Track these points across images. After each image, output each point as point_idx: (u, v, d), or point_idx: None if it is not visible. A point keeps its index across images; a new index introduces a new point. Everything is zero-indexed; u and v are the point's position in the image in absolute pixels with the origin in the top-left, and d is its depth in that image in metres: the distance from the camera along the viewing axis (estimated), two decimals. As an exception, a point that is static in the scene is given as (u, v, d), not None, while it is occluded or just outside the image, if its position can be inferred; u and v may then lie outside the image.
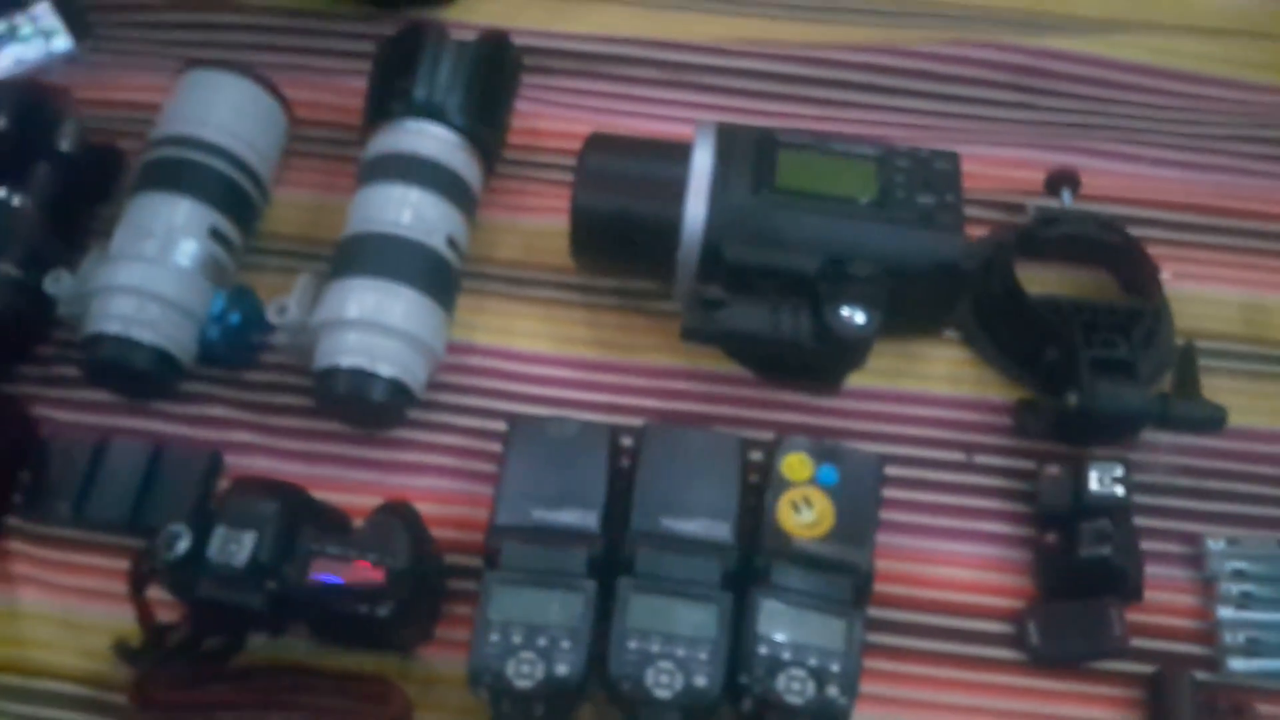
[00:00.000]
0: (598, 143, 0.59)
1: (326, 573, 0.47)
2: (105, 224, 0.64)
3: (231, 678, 0.50)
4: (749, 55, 0.69)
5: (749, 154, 0.56)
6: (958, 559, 0.56)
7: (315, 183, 0.66)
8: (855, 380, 0.60)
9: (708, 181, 0.55)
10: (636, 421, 0.57)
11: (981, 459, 0.58)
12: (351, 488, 0.56)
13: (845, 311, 0.54)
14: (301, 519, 0.48)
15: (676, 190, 0.55)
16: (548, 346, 0.61)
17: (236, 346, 0.59)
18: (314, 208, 0.65)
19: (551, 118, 0.68)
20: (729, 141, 0.56)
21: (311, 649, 0.53)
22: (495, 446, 0.58)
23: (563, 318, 0.62)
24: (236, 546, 0.46)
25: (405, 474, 0.58)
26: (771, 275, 0.55)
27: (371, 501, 0.53)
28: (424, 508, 0.54)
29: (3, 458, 0.55)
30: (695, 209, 0.55)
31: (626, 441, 0.55)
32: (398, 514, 0.51)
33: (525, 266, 0.64)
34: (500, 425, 0.59)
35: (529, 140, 0.67)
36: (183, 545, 0.47)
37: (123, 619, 0.53)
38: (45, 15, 0.72)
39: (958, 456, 0.58)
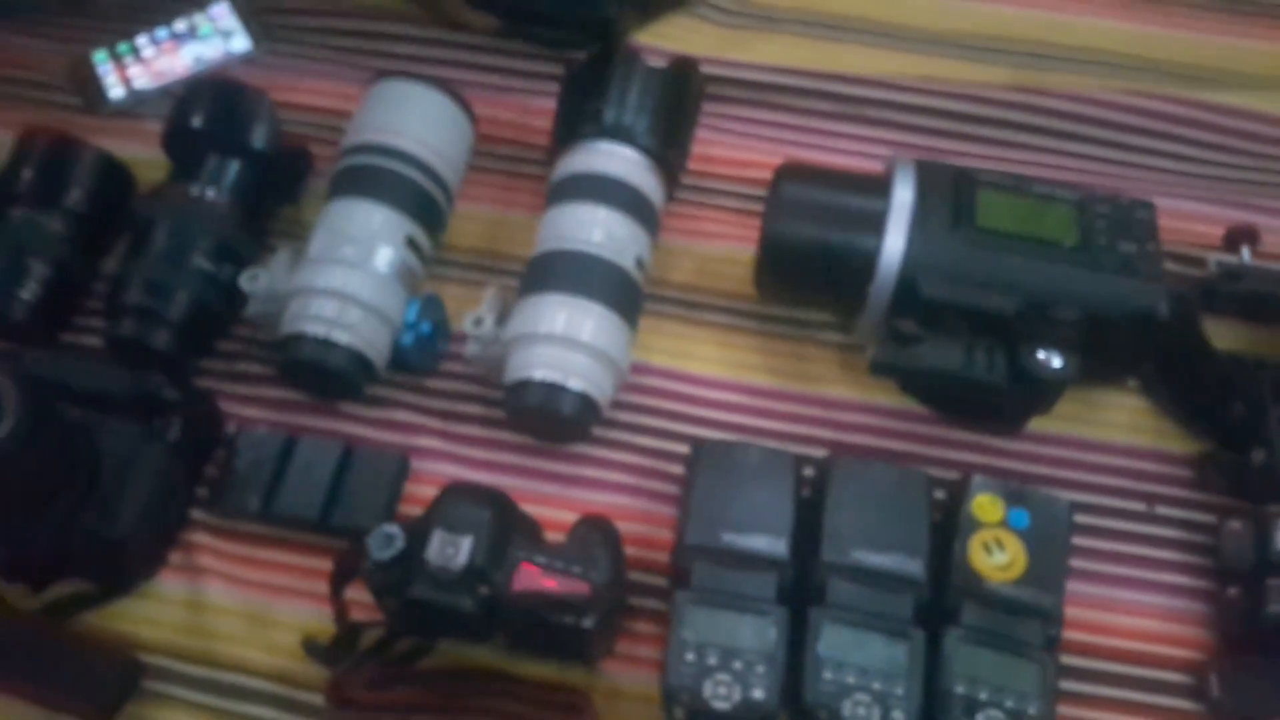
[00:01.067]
0: (790, 171, 0.59)
1: (535, 581, 0.48)
2: (288, 224, 0.66)
3: (425, 680, 0.51)
4: (921, 92, 0.70)
5: (947, 191, 0.56)
6: (1137, 608, 0.56)
7: (494, 197, 0.67)
8: (1034, 424, 0.60)
9: (908, 216, 0.55)
10: (809, 450, 0.58)
11: (1162, 510, 0.58)
12: (532, 499, 0.56)
13: (1042, 355, 0.54)
14: (510, 527, 0.49)
15: (875, 223, 0.56)
16: (722, 371, 0.62)
17: (425, 354, 0.60)
18: (493, 221, 0.67)
19: (725, 145, 0.69)
20: (928, 177, 0.57)
21: (495, 654, 0.53)
22: (672, 467, 0.60)
23: (737, 344, 0.63)
24: (453, 550, 0.47)
25: (584, 488, 0.58)
26: (967, 314, 0.55)
27: (551, 513, 0.55)
28: None
29: (192, 450, 0.56)
30: (894, 243, 0.55)
31: (806, 471, 0.56)
32: (598, 529, 0.51)
33: (699, 291, 0.65)
34: (677, 447, 0.60)
35: (703, 166, 0.68)
36: (397, 545, 0.48)
37: (309, 616, 0.55)
38: (223, 15, 0.75)
39: (1138, 506, 0.58)
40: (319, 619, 0.54)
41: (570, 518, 0.56)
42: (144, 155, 0.65)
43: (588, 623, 0.48)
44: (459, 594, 0.47)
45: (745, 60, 0.72)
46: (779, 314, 0.64)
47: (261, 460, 0.57)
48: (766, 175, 0.66)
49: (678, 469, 0.59)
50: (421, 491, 0.58)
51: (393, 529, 0.48)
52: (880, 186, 0.57)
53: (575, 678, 0.53)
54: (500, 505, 0.49)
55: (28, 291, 0.59)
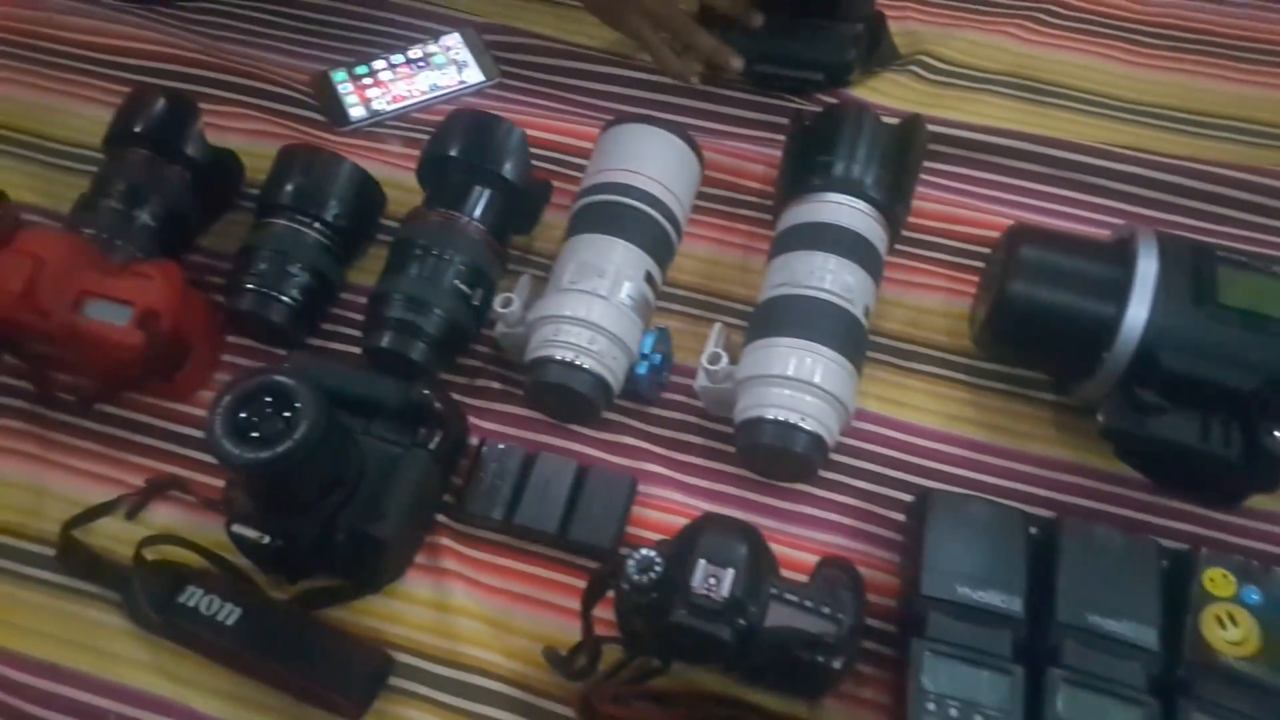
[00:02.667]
0: (1026, 234, 0.61)
1: (788, 618, 0.50)
2: (520, 250, 0.69)
3: (667, 700, 0.53)
4: (1127, 160, 0.71)
5: (1188, 264, 0.57)
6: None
7: (711, 237, 0.70)
8: (1250, 501, 0.60)
9: (1151, 287, 0.56)
10: (1024, 508, 0.58)
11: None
12: None
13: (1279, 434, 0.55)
14: (763, 563, 0.51)
15: (1117, 291, 0.57)
16: (935, 422, 0.64)
17: (654, 383, 0.63)
18: (710, 260, 0.69)
19: (936, 200, 0.71)
20: (1169, 249, 0.57)
21: (721, 680, 0.55)
22: (888, 512, 0.61)
23: (949, 395, 0.65)
24: (716, 581, 0.49)
25: (803, 526, 0.60)
26: (1203, 388, 0.56)
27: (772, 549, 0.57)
28: None
29: (445, 458, 0.59)
30: (1137, 313, 0.56)
31: (1030, 529, 0.56)
32: (844, 570, 0.53)
33: (912, 341, 0.66)
34: (892, 492, 0.62)
35: (915, 219, 0.69)
36: (658, 571, 0.50)
37: (545, 625, 0.57)
38: (456, 46, 0.80)
39: (1359, 590, 0.58)
40: (552, 629, 0.57)
41: (789, 555, 0.59)
42: (379, 173, 0.70)
43: (836, 663, 0.50)
44: (719, 624, 0.48)
45: (954, 119, 0.74)
46: (991, 369, 0.65)
47: (504, 472, 0.60)
48: (976, 232, 0.70)
49: (893, 514, 0.61)
50: (646, 515, 0.60)
51: (651, 554, 0.51)
52: (1119, 255, 0.59)
53: (798, 710, 0.55)
54: (756, 540, 0.51)
55: (288, 296, 0.63)
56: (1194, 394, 0.56)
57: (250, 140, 0.74)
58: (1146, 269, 0.57)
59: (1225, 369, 0.56)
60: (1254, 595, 0.54)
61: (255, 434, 0.51)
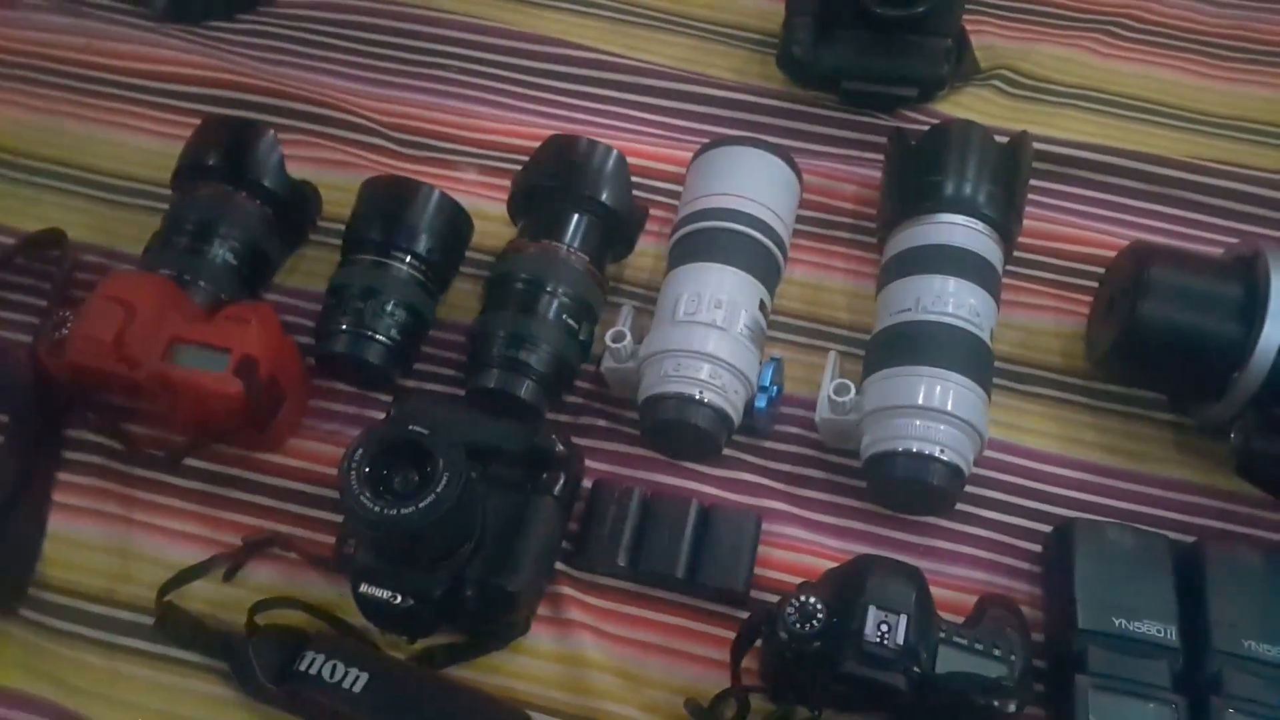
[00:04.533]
0: (1154, 254, 0.59)
1: (958, 663, 0.48)
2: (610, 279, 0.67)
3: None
4: (1227, 176, 0.70)
5: (1319, 281, 0.57)
6: None
7: (812, 261, 0.68)
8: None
9: (1286, 307, 0.56)
10: (1158, 532, 0.57)
11: None
12: None
13: None
14: (930, 605, 0.49)
15: (1250, 310, 0.56)
16: (1056, 446, 0.62)
17: (771, 416, 0.61)
18: (812, 285, 0.67)
19: (1036, 218, 0.68)
20: (1300, 266, 0.57)
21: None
22: (1017, 541, 0.59)
23: (1068, 418, 0.63)
24: (889, 628, 0.47)
25: (938, 561, 0.58)
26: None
27: None
28: (959, 596, 0.55)
29: (564, 503, 0.56)
30: (1272, 332, 0.55)
31: (1170, 554, 0.56)
32: (1008, 608, 0.51)
33: (1025, 363, 0.65)
34: (1019, 520, 0.60)
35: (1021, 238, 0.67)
36: (821, 618, 0.48)
37: (681, 675, 0.55)
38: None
39: None
40: (687, 679, 0.54)
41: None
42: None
43: (1011, 707, 0.48)
44: (892, 673, 0.46)
45: (1048, 134, 0.72)
46: (1109, 390, 0.64)
47: (624, 514, 0.57)
48: (1082, 250, 0.68)
49: (1023, 543, 0.59)
50: (770, 554, 0.58)
51: (813, 601, 0.48)
52: (1247, 273, 0.58)
53: (951, 756, 0.53)
54: (923, 583, 0.49)
55: (385, 335, 0.60)
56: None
57: (319, 170, 0.70)
58: (1279, 286, 0.57)
59: (1362, 394, 0.56)
60: (1404, 619, 0.54)
61: (386, 489, 0.48)
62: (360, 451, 0.47)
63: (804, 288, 0.67)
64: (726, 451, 0.61)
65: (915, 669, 0.47)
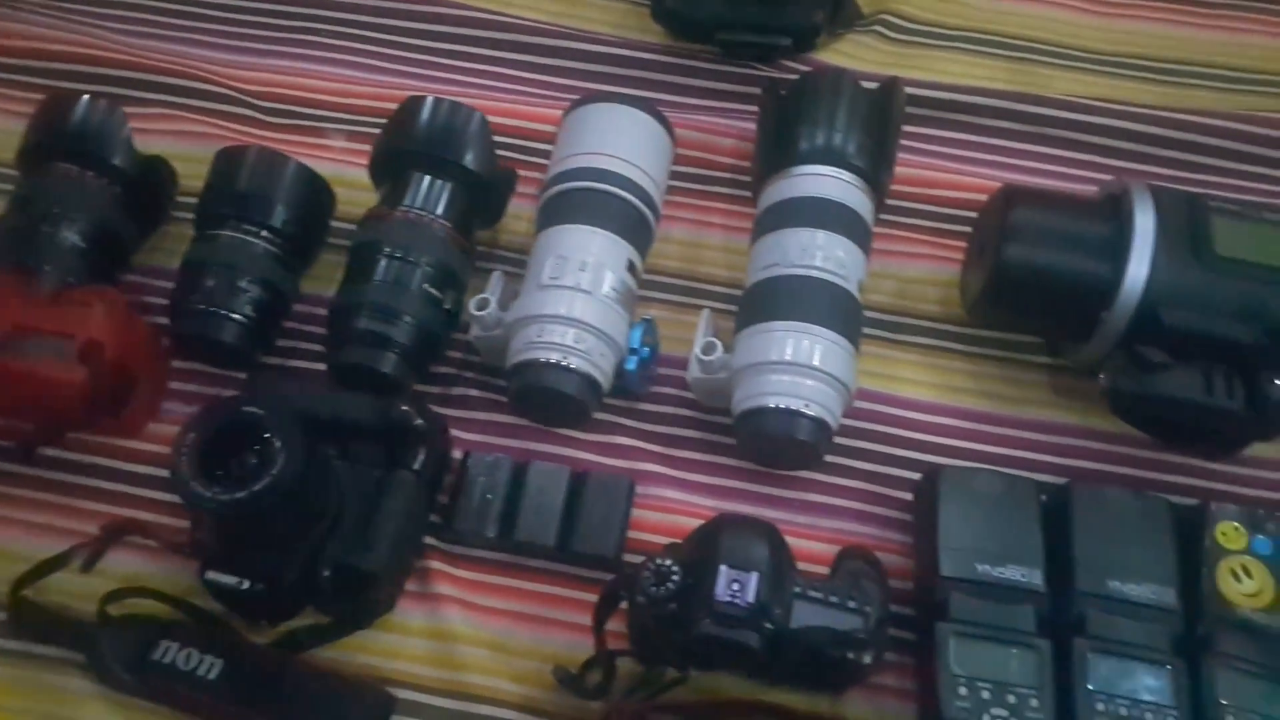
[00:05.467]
0: (1019, 196, 0.59)
1: (815, 617, 0.48)
2: (485, 245, 0.65)
3: (690, 712, 0.50)
4: (1104, 113, 0.69)
5: (1182, 217, 0.56)
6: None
7: (688, 219, 0.67)
8: (1251, 448, 0.60)
9: (1150, 242, 0.55)
10: (1030, 475, 0.57)
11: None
12: None
13: (1281, 382, 0.55)
14: (784, 562, 0.49)
15: (1116, 250, 0.55)
16: (932, 395, 0.62)
17: (644, 377, 0.60)
18: (689, 243, 0.66)
19: (909, 164, 0.68)
20: (1164, 203, 0.56)
21: (740, 683, 0.53)
22: (891, 491, 0.59)
23: (944, 366, 0.63)
24: (740, 586, 0.46)
25: (809, 514, 0.58)
26: (1205, 342, 0.55)
27: None
28: (834, 550, 0.55)
29: (429, 477, 0.54)
30: (1137, 270, 0.55)
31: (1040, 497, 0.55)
32: (865, 560, 0.51)
33: (901, 312, 0.64)
34: (893, 470, 0.60)
35: (894, 186, 0.66)
36: (676, 581, 0.48)
37: (553, 643, 0.54)
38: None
39: (1359, 528, 0.59)
40: (559, 646, 0.54)
41: (798, 544, 0.55)
42: (320, 170, 0.64)
43: (866, 658, 0.48)
44: (746, 631, 0.46)
45: (926, 79, 0.71)
46: (984, 336, 0.63)
47: (494, 486, 0.56)
48: (957, 195, 0.67)
49: (897, 493, 0.59)
50: (645, 516, 0.58)
51: (668, 563, 0.48)
52: (1113, 212, 0.57)
53: (820, 707, 0.53)
54: (776, 539, 0.48)
55: (239, 314, 0.58)
56: (1195, 348, 0.55)
57: (179, 144, 0.68)
58: (1144, 225, 0.56)
59: (1226, 321, 0.55)
60: (1265, 545, 0.53)
61: (224, 472, 0.47)
62: (191, 435, 0.46)
63: (682, 245, 0.66)
64: (601, 415, 0.60)
65: (769, 625, 0.47)
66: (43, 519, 0.57)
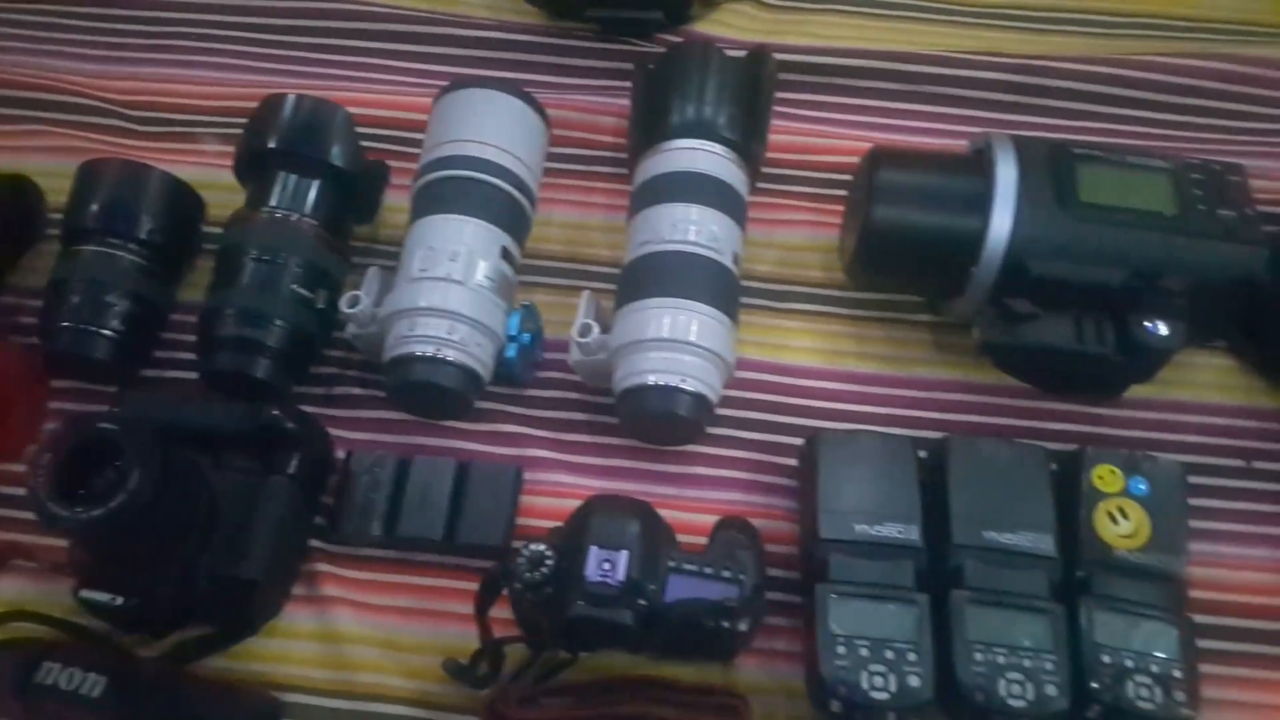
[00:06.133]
0: (885, 156, 0.59)
1: (688, 589, 0.48)
2: (364, 241, 0.65)
3: (577, 692, 0.51)
4: (977, 66, 0.70)
5: (1046, 166, 0.56)
6: (1247, 563, 0.57)
7: (571, 200, 0.66)
8: (1129, 391, 0.60)
9: (1013, 195, 0.55)
10: (912, 433, 0.58)
11: (1260, 464, 0.59)
12: (649, 501, 0.53)
13: (1150, 324, 0.55)
14: (657, 537, 0.49)
15: (979, 204, 0.56)
16: (818, 360, 0.62)
17: (526, 364, 0.59)
18: (572, 225, 0.66)
19: (792, 131, 0.68)
20: (1027, 154, 0.57)
21: (633, 661, 0.53)
22: (780, 459, 0.60)
23: (829, 331, 0.63)
24: (610, 566, 0.47)
25: (698, 487, 0.59)
26: (1074, 289, 0.55)
27: (669, 515, 0.54)
28: None
29: (308, 479, 0.54)
30: (1001, 223, 0.55)
31: (920, 453, 0.56)
32: (740, 530, 0.52)
33: (785, 280, 0.65)
34: (783, 438, 0.60)
35: (772, 154, 0.66)
36: (550, 564, 0.48)
37: (441, 636, 0.54)
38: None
39: (1236, 463, 0.59)
40: (452, 638, 0.54)
41: (687, 518, 0.57)
42: (197, 176, 0.63)
43: (742, 626, 0.48)
44: (618, 609, 0.46)
45: (801, 44, 0.71)
46: (867, 298, 0.64)
47: (378, 484, 0.56)
48: (835, 160, 0.67)
49: (786, 460, 0.60)
50: (536, 503, 0.58)
51: (540, 548, 0.48)
52: (978, 166, 0.58)
53: (713, 676, 0.54)
54: (646, 516, 0.49)
55: (109, 328, 0.57)
56: (1065, 296, 0.56)
57: (50, 160, 0.66)
58: (1006, 177, 0.56)
59: (1093, 267, 0.55)
60: (1141, 486, 0.54)
61: (85, 490, 0.46)
62: (46, 455, 0.46)
63: (565, 228, 0.66)
64: (487, 404, 0.60)
65: (642, 602, 0.47)
66: (-78, 549, 0.57)
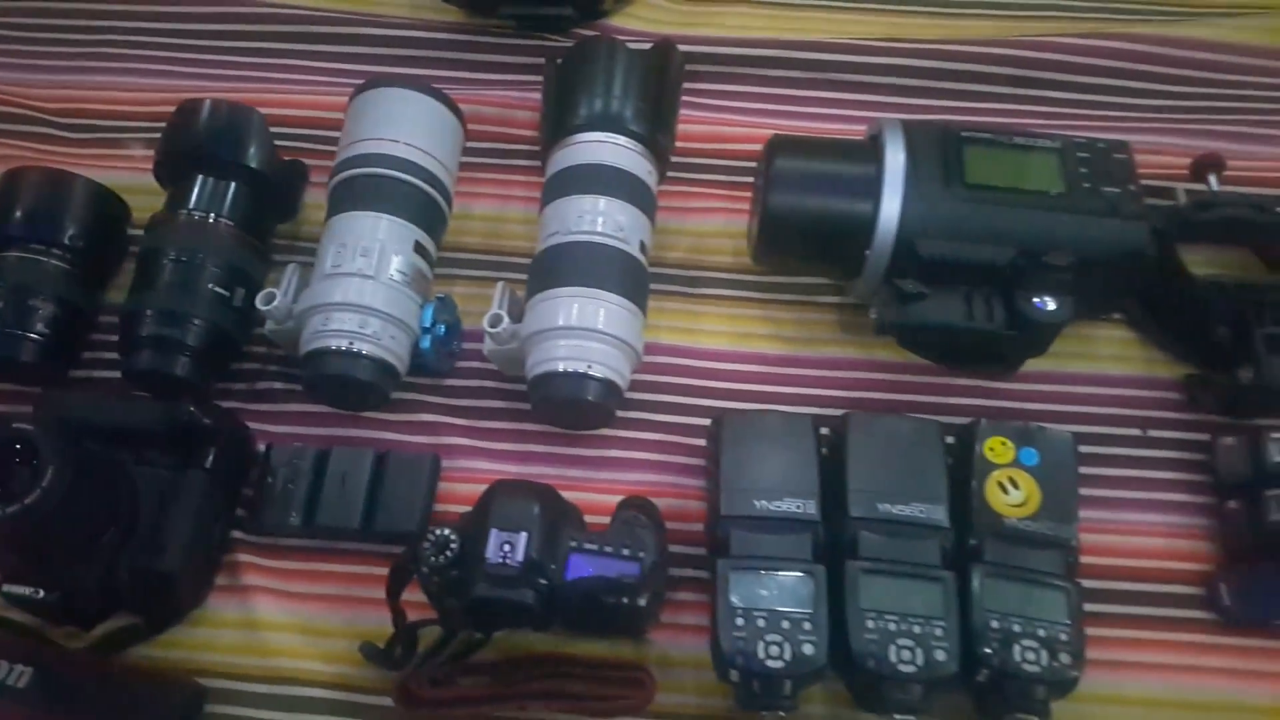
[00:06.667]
0: (782, 145, 0.61)
1: (587, 568, 0.50)
2: (287, 239, 0.67)
3: (488, 670, 0.53)
4: (883, 52, 0.72)
5: (935, 150, 0.58)
6: (1142, 528, 0.59)
7: (489, 194, 0.68)
8: (1029, 364, 0.62)
9: (901, 179, 0.57)
10: (822, 411, 0.60)
11: (1156, 433, 0.61)
12: (563, 485, 0.57)
13: (1037, 300, 0.57)
14: (558, 518, 0.51)
15: (870, 189, 0.58)
16: (729, 343, 0.64)
17: (443, 355, 0.61)
18: (491, 218, 0.68)
19: (703, 121, 0.70)
20: (916, 138, 0.58)
21: (547, 639, 0.55)
22: (693, 440, 0.62)
23: (740, 314, 0.65)
24: (510, 548, 0.49)
25: (612, 470, 0.61)
26: (964, 268, 0.57)
27: (583, 497, 0.57)
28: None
29: (227, 473, 0.56)
30: (890, 207, 0.57)
31: (823, 430, 0.58)
32: (641, 509, 0.54)
33: (697, 267, 0.66)
34: (696, 420, 0.62)
35: (684, 144, 0.68)
36: (454, 548, 0.50)
37: (360, 621, 0.56)
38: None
39: (1133, 431, 0.61)
40: (371, 623, 0.56)
41: (601, 500, 0.59)
42: (125, 181, 0.66)
43: (641, 601, 0.50)
44: (519, 589, 0.49)
45: (713, 35, 0.73)
46: (777, 281, 0.66)
47: (297, 475, 0.58)
48: (747, 148, 0.69)
49: (699, 441, 0.61)
50: (455, 489, 0.60)
51: (445, 532, 0.50)
52: (871, 152, 0.59)
53: (625, 651, 0.56)
54: (547, 498, 0.51)
55: (34, 331, 0.59)
56: (956, 275, 0.58)
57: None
58: (894, 162, 0.58)
59: (979, 246, 0.57)
60: (1031, 456, 0.56)
61: (4, 488, 0.48)
62: (-40, 457, 0.48)
63: (485, 220, 0.68)
64: (406, 394, 0.62)
65: (543, 581, 0.49)
66: None
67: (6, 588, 0.50)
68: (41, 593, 0.50)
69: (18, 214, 0.61)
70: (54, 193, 0.61)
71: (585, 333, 0.57)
